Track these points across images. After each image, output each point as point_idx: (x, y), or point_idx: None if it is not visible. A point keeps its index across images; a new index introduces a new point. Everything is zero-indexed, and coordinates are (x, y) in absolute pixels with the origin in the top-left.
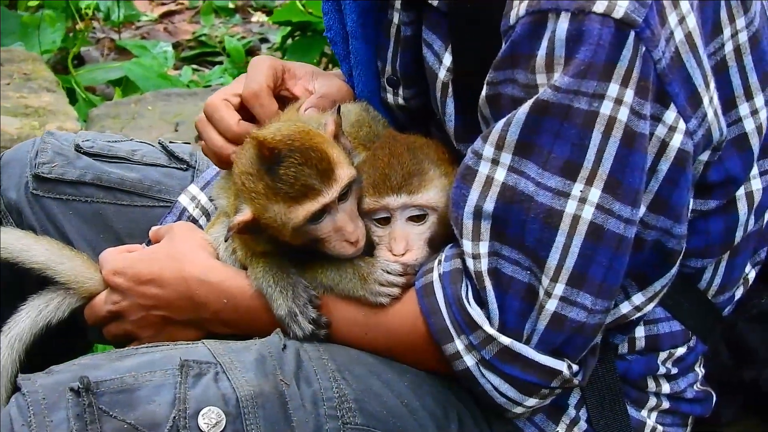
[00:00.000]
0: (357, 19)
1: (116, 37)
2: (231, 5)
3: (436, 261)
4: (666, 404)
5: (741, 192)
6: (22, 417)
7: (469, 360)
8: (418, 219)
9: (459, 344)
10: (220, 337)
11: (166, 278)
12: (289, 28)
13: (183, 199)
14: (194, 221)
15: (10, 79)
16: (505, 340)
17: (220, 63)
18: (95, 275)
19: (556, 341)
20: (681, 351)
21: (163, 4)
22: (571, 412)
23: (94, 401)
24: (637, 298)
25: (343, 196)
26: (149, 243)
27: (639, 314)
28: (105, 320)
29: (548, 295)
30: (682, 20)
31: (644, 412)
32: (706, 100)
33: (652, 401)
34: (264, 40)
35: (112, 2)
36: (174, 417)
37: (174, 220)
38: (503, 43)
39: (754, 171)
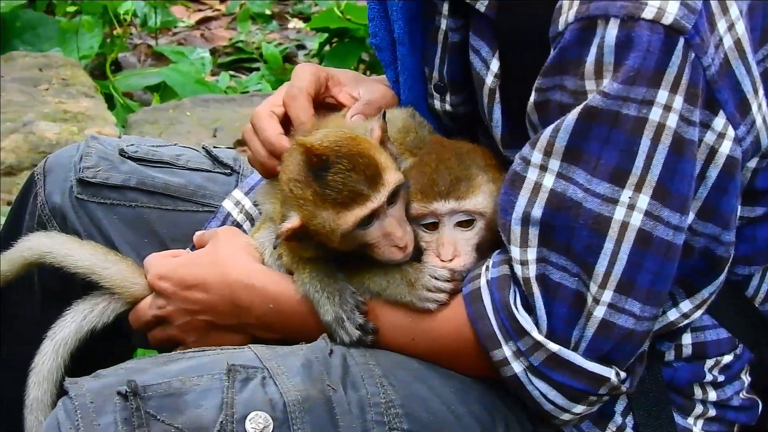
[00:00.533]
0: (404, 25)
1: (153, 43)
2: (268, 12)
3: (484, 267)
4: (712, 412)
5: None
6: (69, 420)
7: (517, 366)
8: (465, 224)
9: (507, 350)
10: (265, 342)
11: (210, 283)
12: (326, 35)
13: (227, 204)
14: (238, 226)
15: (48, 84)
16: (554, 346)
17: (257, 69)
18: (140, 280)
19: (604, 348)
20: (728, 359)
21: (200, 10)
22: (618, 419)
23: (142, 405)
24: (685, 306)
25: (391, 201)
26: (193, 248)
27: (686, 321)
28: (150, 325)
29: (596, 301)
30: (731, 27)
31: (690, 420)
32: (755, 107)
33: (699, 409)
34: (301, 47)
35: (150, 8)
36: (221, 421)
37: (218, 224)
38: (552, 50)
39: None
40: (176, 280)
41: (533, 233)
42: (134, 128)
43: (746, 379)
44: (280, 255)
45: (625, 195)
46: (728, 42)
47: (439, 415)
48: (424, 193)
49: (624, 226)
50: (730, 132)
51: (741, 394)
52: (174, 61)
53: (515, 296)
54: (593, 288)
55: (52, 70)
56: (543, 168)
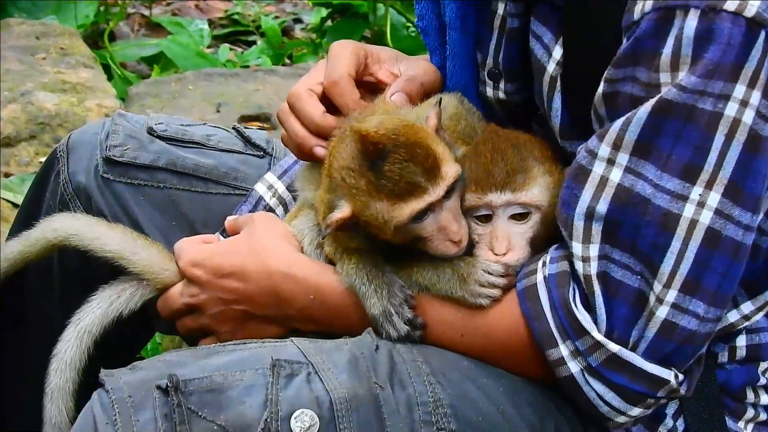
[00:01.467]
0: (457, 10)
1: (146, 13)
2: None
3: (540, 263)
4: (764, 416)
5: None
6: (106, 415)
7: (574, 366)
8: (520, 218)
9: (564, 350)
10: (303, 334)
11: (248, 272)
12: (328, 10)
13: (259, 188)
14: (271, 210)
15: (46, 53)
16: (614, 347)
17: (254, 43)
18: (171, 266)
19: (665, 349)
20: None
21: None
22: (669, 422)
23: (183, 401)
24: (746, 307)
25: (447, 194)
26: (224, 233)
27: (747, 323)
28: (180, 313)
29: (659, 301)
30: None
31: (741, 424)
32: None
33: (750, 413)
34: (298, 21)
35: None
36: (266, 419)
37: (250, 209)
38: (624, 40)
39: None
40: (211, 267)
41: (596, 229)
42: (135, 101)
43: None
44: (320, 244)
45: (696, 192)
46: None
47: (488, 416)
48: (478, 183)
49: (693, 224)
50: None
51: None
52: (171, 32)
53: (575, 294)
54: (657, 287)
55: (50, 38)
56: (611, 162)
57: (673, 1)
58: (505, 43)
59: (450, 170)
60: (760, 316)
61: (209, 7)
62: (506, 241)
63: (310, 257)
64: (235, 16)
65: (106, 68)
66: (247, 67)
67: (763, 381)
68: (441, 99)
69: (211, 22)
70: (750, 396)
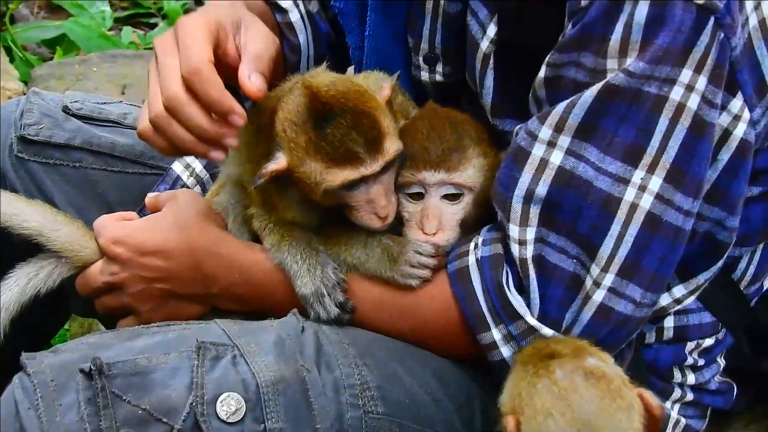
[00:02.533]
0: None
1: None
2: None
3: (472, 244)
4: (690, 396)
5: None
6: (28, 399)
7: (506, 351)
8: (452, 198)
9: (496, 334)
10: (225, 314)
11: (171, 249)
12: None
13: (177, 167)
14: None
15: None
16: (548, 331)
17: (156, 25)
18: (90, 243)
19: (599, 333)
20: (709, 342)
21: None
22: None
23: (107, 384)
24: (678, 291)
25: (384, 169)
26: (142, 211)
27: (678, 307)
28: (100, 291)
29: (597, 285)
30: (758, 5)
31: (668, 404)
32: None
33: (677, 393)
34: (200, 2)
35: None
36: (191, 403)
37: (167, 188)
38: (568, 24)
39: None
40: (133, 245)
41: (534, 212)
42: (39, 83)
43: (722, 362)
44: (248, 219)
45: (638, 176)
46: (753, 21)
47: (416, 398)
48: (413, 160)
49: (633, 207)
50: (746, 114)
51: (716, 378)
52: (73, 14)
53: (508, 277)
54: (595, 271)
55: None
56: (551, 144)
57: None
58: (442, 26)
59: (392, 146)
60: (691, 300)
61: None
62: (437, 221)
63: (235, 234)
64: None
65: (8, 51)
66: (151, 48)
67: (690, 360)
68: (400, 73)
69: (112, 4)
70: (677, 376)
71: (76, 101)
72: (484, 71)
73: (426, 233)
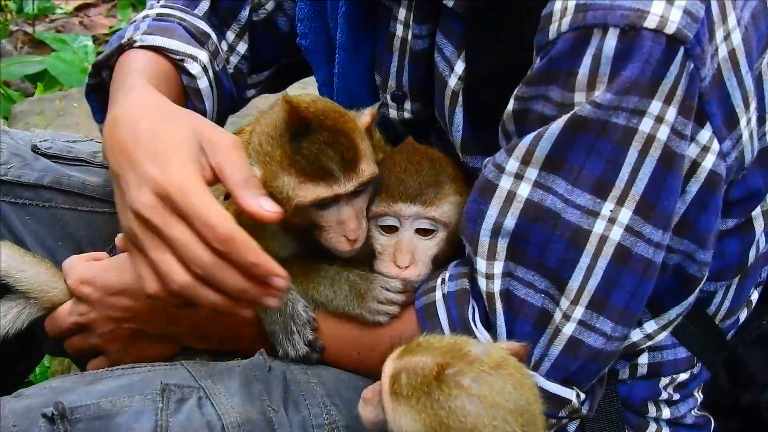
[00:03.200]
0: (349, 31)
1: (30, 30)
2: None
3: (439, 280)
4: (666, 430)
5: (757, 211)
6: None
7: None
8: (426, 233)
9: None
10: (194, 352)
11: (139, 289)
12: None
13: None
14: None
15: None
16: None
17: None
18: (59, 284)
19: (570, 367)
20: (684, 376)
21: None
22: None
23: (70, 429)
24: (650, 326)
25: (357, 191)
26: (112, 251)
27: (650, 343)
28: (68, 332)
29: (566, 318)
30: (727, 36)
31: None
32: (743, 121)
33: (652, 427)
34: None
35: None
36: None
37: None
38: (537, 59)
39: None
40: (101, 285)
41: (502, 246)
42: (19, 119)
43: (699, 396)
44: None
45: (607, 208)
46: (723, 52)
47: None
48: (389, 191)
49: (603, 240)
50: (715, 146)
51: (693, 412)
52: (55, 49)
53: (474, 312)
54: (564, 304)
55: None
56: (519, 177)
57: (591, 21)
58: (408, 64)
59: (367, 168)
60: (663, 335)
61: (94, 23)
62: (410, 255)
63: None
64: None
65: None
66: None
67: (664, 395)
68: (381, 102)
69: (96, 39)
70: (652, 410)
71: (45, 140)
72: (453, 108)
73: (398, 266)
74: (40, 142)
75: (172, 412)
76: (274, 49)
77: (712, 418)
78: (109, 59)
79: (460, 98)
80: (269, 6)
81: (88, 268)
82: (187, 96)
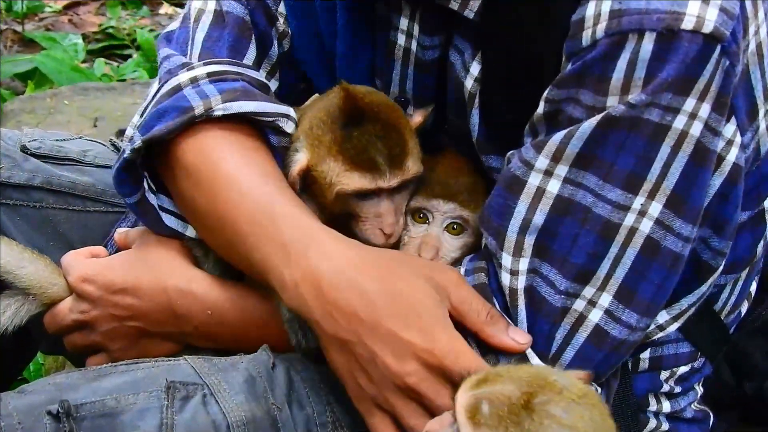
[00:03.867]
0: (349, 41)
1: (19, 29)
2: None
3: None
4: (665, 425)
5: None
6: None
7: None
8: (455, 231)
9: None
10: (197, 350)
11: (143, 287)
12: None
13: None
14: None
15: None
16: (537, 362)
17: (129, 56)
18: (59, 281)
19: (593, 357)
20: (684, 369)
21: None
22: None
23: (75, 427)
24: (661, 317)
25: (400, 187)
26: (107, 245)
27: (661, 334)
28: (69, 329)
29: (592, 304)
30: (757, 30)
31: None
32: (761, 113)
33: (652, 423)
34: None
35: None
36: None
37: (129, 226)
38: (569, 63)
39: None
40: (103, 283)
41: (529, 242)
42: (10, 118)
43: (699, 389)
44: (218, 259)
45: (638, 202)
46: (752, 46)
47: None
48: (429, 188)
49: (632, 231)
50: (738, 139)
51: (693, 406)
52: (45, 48)
53: (495, 306)
54: (589, 292)
55: None
56: (548, 173)
57: (627, 26)
58: (414, 73)
59: (413, 166)
60: (674, 327)
61: (83, 21)
62: (435, 250)
63: (208, 271)
64: (110, 30)
65: None
66: (124, 80)
67: (666, 388)
68: (433, 106)
69: (85, 37)
70: (653, 403)
71: (34, 140)
72: (470, 110)
73: (422, 257)
74: (29, 142)
75: (177, 410)
76: (293, 79)
77: (711, 413)
78: (170, 133)
79: (476, 100)
80: (290, 32)
81: (89, 265)
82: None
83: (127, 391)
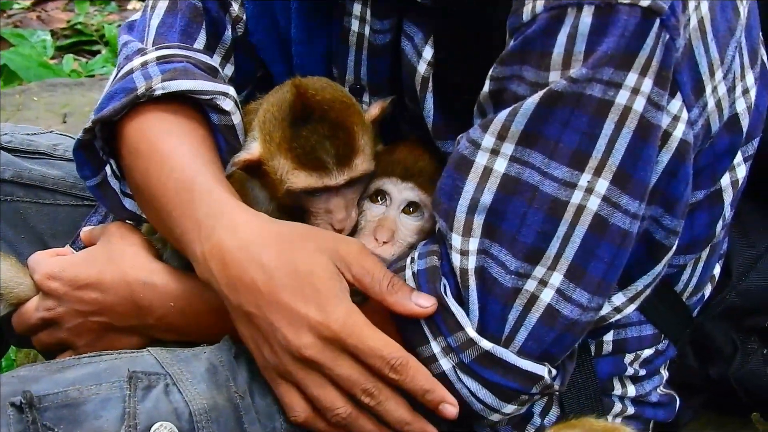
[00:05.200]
0: (303, 26)
1: None
2: None
3: (408, 259)
4: (631, 409)
5: (726, 181)
6: None
7: (446, 363)
8: (411, 210)
9: (435, 347)
10: (163, 343)
11: (106, 282)
12: None
13: None
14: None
15: None
16: (486, 344)
17: (98, 52)
18: (25, 280)
19: (546, 338)
20: (648, 352)
21: None
22: (536, 420)
23: (38, 417)
24: (617, 299)
25: (348, 184)
26: (74, 244)
27: (618, 316)
28: (36, 328)
29: (543, 284)
30: (698, 5)
31: (609, 419)
32: (708, 89)
33: (617, 407)
34: None
35: None
36: None
37: (99, 220)
38: (510, 39)
39: (738, 158)
40: (67, 279)
41: (478, 222)
42: None
43: (665, 373)
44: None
45: (584, 179)
46: (693, 21)
47: None
48: (387, 169)
49: (580, 209)
50: (684, 115)
51: (659, 390)
52: (14, 44)
53: (446, 288)
54: (540, 271)
55: None
56: (494, 152)
57: (565, 0)
58: (368, 58)
59: (361, 164)
60: (632, 308)
61: (51, 17)
62: (390, 233)
63: (170, 263)
64: (78, 26)
65: None
66: (93, 76)
67: (630, 371)
68: (394, 98)
69: (53, 33)
70: (617, 387)
71: (5, 134)
72: (423, 94)
73: (377, 238)
74: (0, 135)
75: (139, 399)
76: (250, 65)
77: (677, 396)
78: (116, 114)
79: (430, 84)
80: (245, 18)
81: (54, 262)
82: (214, 134)
83: (89, 381)
